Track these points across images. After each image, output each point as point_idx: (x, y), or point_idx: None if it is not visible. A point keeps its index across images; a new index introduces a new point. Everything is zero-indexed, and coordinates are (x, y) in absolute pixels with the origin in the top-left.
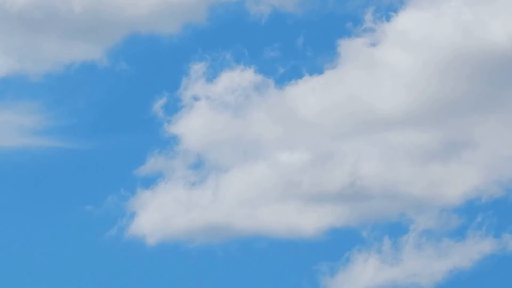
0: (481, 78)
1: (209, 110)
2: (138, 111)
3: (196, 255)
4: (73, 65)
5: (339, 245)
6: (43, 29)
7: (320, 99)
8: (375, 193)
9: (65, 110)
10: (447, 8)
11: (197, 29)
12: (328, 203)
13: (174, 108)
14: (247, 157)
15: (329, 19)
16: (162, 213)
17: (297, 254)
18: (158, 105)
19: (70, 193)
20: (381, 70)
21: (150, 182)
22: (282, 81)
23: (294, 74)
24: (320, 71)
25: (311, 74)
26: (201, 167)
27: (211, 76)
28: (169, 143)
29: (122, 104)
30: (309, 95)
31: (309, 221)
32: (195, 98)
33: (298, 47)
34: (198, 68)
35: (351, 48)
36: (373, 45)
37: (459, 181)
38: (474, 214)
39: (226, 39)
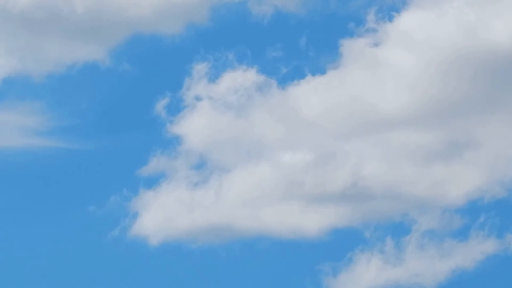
0: (484, 78)
1: (211, 110)
2: (141, 112)
3: (198, 255)
4: (75, 65)
5: (341, 245)
6: (45, 29)
7: (323, 99)
8: (377, 193)
9: (67, 110)
10: (450, 8)
11: (199, 30)
12: (331, 203)
13: (176, 108)
14: (249, 157)
15: (332, 19)
16: (164, 213)
17: (300, 254)
18: (160, 105)
19: (72, 194)
20: (384, 70)
21: (152, 182)
22: (284, 81)
23: (296, 74)
24: (322, 71)
25: (313, 74)
26: (203, 167)
27: (214, 76)
28: (171, 143)
29: (125, 104)
30: (311, 95)
31: (311, 221)
32: (198, 98)
33: (301, 47)
34: (200, 68)
35: (353, 48)
36: (376, 45)
37: (462, 181)
38: (476, 214)
39: (228, 40)
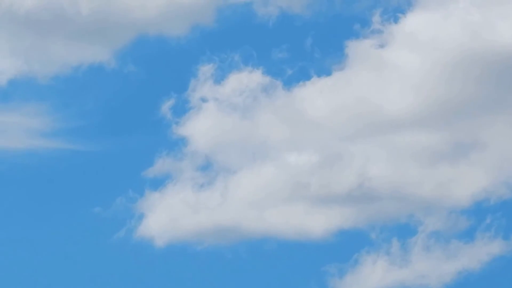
0: (489, 79)
1: (217, 112)
2: (146, 113)
3: (204, 256)
4: (81, 67)
5: (347, 246)
6: (50, 31)
7: (328, 101)
8: (383, 194)
9: (73, 112)
10: (455, 9)
11: (205, 31)
12: (337, 205)
13: (182, 109)
14: (255, 158)
15: (337, 20)
16: (170, 214)
17: (306, 255)
18: (166, 107)
19: (78, 195)
20: (389, 72)
21: (158, 183)
22: (290, 82)
23: (302, 76)
24: (328, 73)
25: (319, 75)
26: (209, 169)
27: (219, 77)
28: (177, 145)
29: (130, 105)
30: (317, 96)
31: (317, 222)
32: (203, 100)
33: (306, 48)
34: (206, 69)
35: (359, 49)
36: (381, 46)
37: (468, 182)
38: (482, 215)
39: (234, 41)
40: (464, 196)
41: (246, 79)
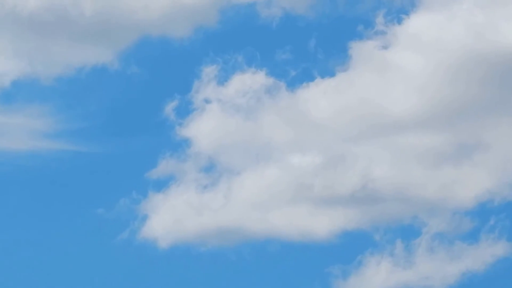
0: (493, 80)
1: (220, 113)
2: (150, 114)
3: (208, 258)
4: (84, 68)
5: (351, 248)
6: (54, 32)
7: (332, 102)
8: (387, 196)
9: (76, 113)
10: (459, 10)
11: (208, 32)
12: (340, 206)
13: (185, 111)
14: (258, 160)
15: (341, 21)
16: (174, 216)
17: (309, 257)
18: (169, 108)
19: (81, 196)
20: (393, 73)
21: (162, 185)
22: (293, 83)
23: (305, 77)
24: (331, 74)
25: (322, 76)
26: (212, 170)
27: (223, 79)
28: (180, 146)
29: (134, 107)
30: (320, 98)
31: (321, 224)
32: (207, 101)
33: (310, 49)
34: (209, 71)
35: (362, 50)
36: (385, 47)
37: (471, 183)
38: (486, 217)
39: (237, 42)
40: (468, 198)
41: (250, 80)
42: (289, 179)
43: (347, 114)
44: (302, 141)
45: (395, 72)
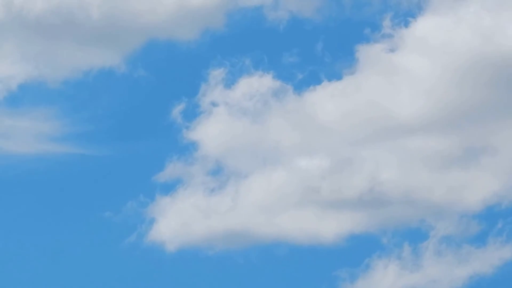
0: (500, 83)
1: (227, 116)
2: (157, 118)
3: (215, 261)
4: (91, 71)
5: (359, 251)
6: (60, 35)
7: (339, 105)
8: (394, 199)
9: (83, 116)
10: (466, 13)
11: (215, 35)
12: (348, 209)
13: (192, 114)
14: (266, 163)
15: (347, 25)
16: (181, 219)
17: (317, 260)
18: (176, 111)
19: (88, 200)
20: (400, 76)
21: (169, 188)
22: (300, 87)
23: (312, 80)
24: (338, 77)
25: (329, 80)
26: (220, 173)
27: (230, 82)
28: (188, 149)
29: (141, 110)
30: (327, 101)
31: (328, 227)
32: (214, 104)
33: (317, 53)
34: (216, 74)
35: (369, 54)
36: (392, 51)
37: (479, 187)
38: (494, 220)
39: (244, 45)
40: (475, 201)
41: (257, 84)
42: (297, 182)
43: (354, 117)
44: (309, 144)
45: (402, 75)
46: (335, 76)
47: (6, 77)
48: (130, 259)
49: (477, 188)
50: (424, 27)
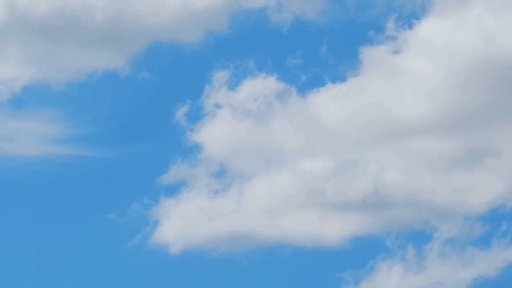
0: (504, 85)
1: (231, 118)
2: (161, 120)
3: (219, 263)
4: (94, 73)
5: (363, 253)
6: (64, 37)
7: (343, 107)
8: (398, 201)
9: (87, 118)
10: (470, 15)
11: (219, 37)
12: (352, 211)
13: (196, 116)
14: (270, 165)
15: (351, 27)
16: (185, 221)
17: (321, 262)
18: (180, 113)
19: (92, 202)
20: (404, 78)
21: (173, 190)
22: (304, 89)
23: (316, 82)
24: (342, 79)
25: (333, 82)
26: (224, 175)
27: (234, 84)
28: (191, 151)
29: (144, 112)
30: (331, 103)
31: (332, 229)
32: (218, 106)
33: (321, 55)
34: (220, 76)
35: (373, 56)
36: (396, 53)
37: (483, 189)
38: (498, 222)
39: (248, 47)
40: (479, 203)
41: (261, 86)
42: (300, 184)
43: (358, 119)
44: (313, 146)
45: (406, 77)
46: (339, 78)
47: (10, 79)
48: (134, 261)
49: (481, 190)
50: (427, 29)
